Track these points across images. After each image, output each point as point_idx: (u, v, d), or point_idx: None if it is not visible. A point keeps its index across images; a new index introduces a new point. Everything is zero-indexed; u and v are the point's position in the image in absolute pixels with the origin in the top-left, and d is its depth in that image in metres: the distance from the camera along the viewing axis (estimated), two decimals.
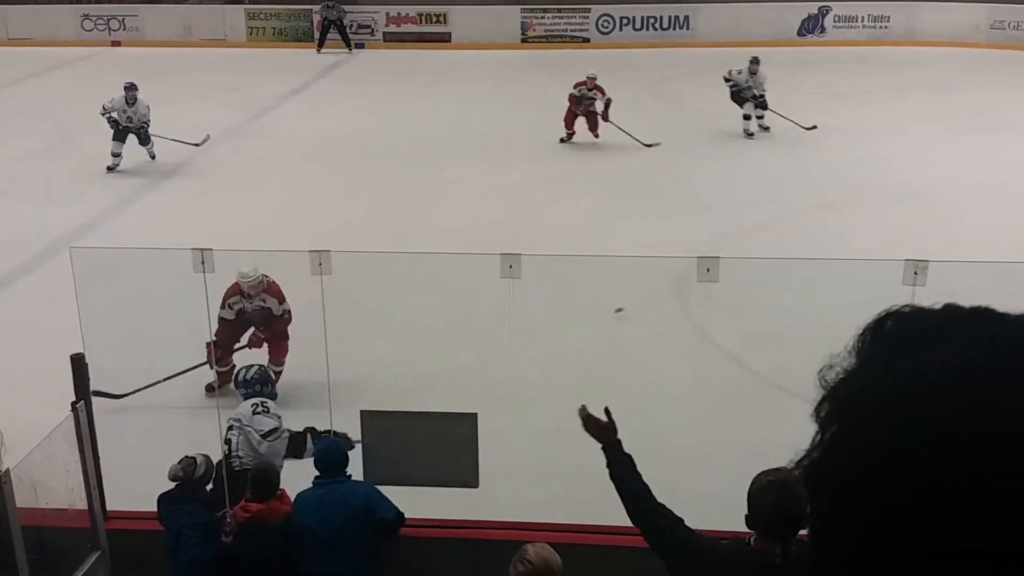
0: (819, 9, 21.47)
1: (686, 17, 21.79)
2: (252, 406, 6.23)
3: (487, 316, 7.58)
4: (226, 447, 6.07)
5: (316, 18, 22.24)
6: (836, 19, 21.43)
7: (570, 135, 14.49)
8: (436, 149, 14.23)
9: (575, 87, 14.29)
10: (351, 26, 22.27)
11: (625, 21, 22.05)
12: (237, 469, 5.95)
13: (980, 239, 10.03)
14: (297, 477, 5.67)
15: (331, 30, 21.81)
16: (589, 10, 22.08)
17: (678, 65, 19.54)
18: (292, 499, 5.39)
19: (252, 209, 11.90)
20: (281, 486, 5.50)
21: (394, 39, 22.47)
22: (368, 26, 22.64)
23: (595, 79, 14.29)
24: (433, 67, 20.10)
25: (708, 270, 7.19)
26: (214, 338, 7.30)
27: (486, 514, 6.07)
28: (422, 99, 17.40)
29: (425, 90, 18.16)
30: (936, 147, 13.55)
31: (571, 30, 22.26)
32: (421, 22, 22.57)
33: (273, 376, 6.96)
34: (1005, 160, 12.77)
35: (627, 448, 3.80)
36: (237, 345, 7.91)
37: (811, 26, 21.55)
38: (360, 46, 22.33)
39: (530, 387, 7.85)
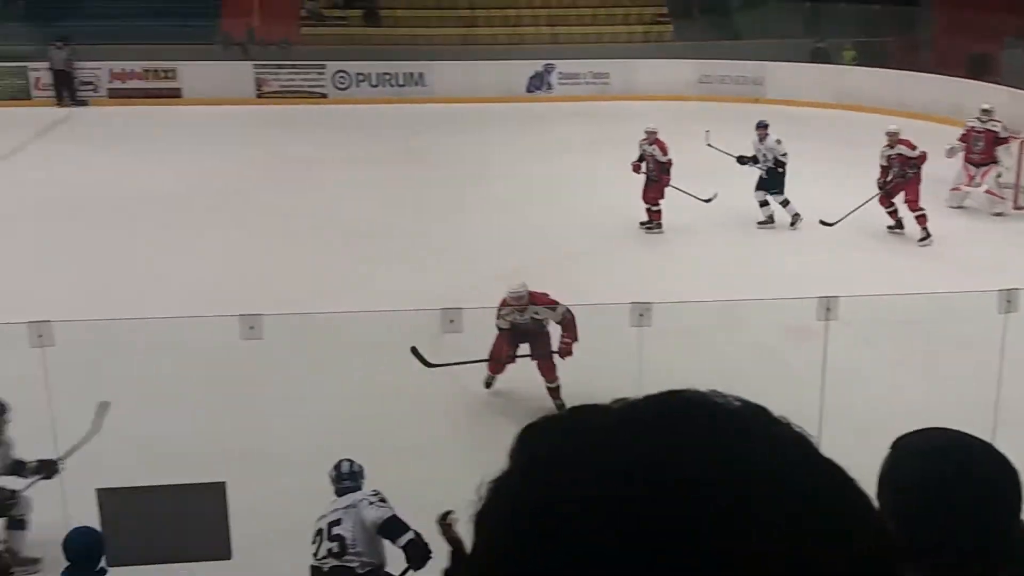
0: (544, 67, 22.51)
1: (420, 74, 22.23)
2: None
3: (228, 380, 7.33)
4: (334, 544, 5.58)
5: (34, 74, 20.97)
6: (560, 76, 22.55)
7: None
8: (172, 207, 13.69)
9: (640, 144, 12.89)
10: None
11: (361, 78, 22.22)
12: (360, 571, 5.56)
13: (705, 279, 10.79)
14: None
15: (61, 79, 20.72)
16: (324, 66, 22.09)
17: (417, 121, 19.86)
18: None
19: None
20: None
21: (120, 96, 21.50)
22: (91, 82, 21.56)
23: (655, 133, 12.92)
24: (163, 124, 19.38)
25: (452, 321, 7.35)
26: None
27: None
28: (151, 157, 16.69)
29: (155, 148, 17.44)
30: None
31: (308, 86, 22.16)
32: (148, 78, 21.74)
33: None
34: (728, 199, 13.65)
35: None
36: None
37: (538, 83, 22.55)
38: (82, 103, 21.21)
39: (282, 450, 7.66)
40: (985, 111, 13.64)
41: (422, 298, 9.24)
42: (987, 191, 13.62)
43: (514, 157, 16.14)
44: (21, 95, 21.17)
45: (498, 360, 8.40)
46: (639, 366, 6.54)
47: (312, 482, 6.12)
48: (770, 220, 13.18)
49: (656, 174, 12.84)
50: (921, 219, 12.45)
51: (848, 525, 0.59)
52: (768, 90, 21.85)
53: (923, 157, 12.46)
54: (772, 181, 13.08)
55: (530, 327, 8.30)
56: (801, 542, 0.56)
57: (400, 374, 8.75)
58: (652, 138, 12.91)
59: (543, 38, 23.82)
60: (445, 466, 7.24)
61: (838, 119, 19.13)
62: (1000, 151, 13.60)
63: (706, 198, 13.02)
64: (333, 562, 5.61)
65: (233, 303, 7.98)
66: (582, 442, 0.62)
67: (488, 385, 8.71)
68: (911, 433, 1.53)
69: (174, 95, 21.61)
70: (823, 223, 12.60)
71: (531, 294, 8.18)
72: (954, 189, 13.76)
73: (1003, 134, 13.58)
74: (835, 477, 0.62)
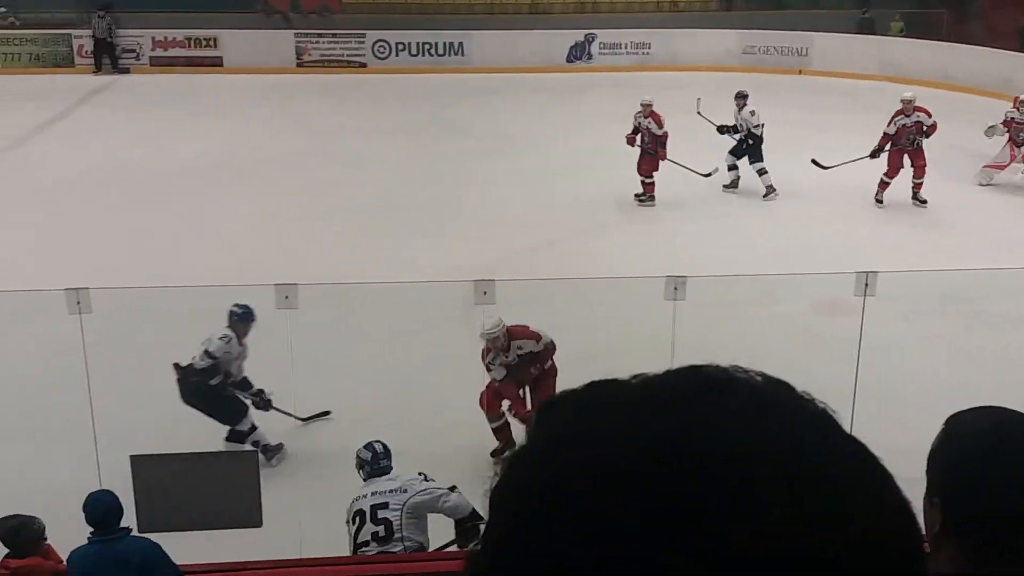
0: (585, 37, 22.33)
1: (460, 44, 22.15)
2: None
3: (266, 349, 7.39)
4: (380, 528, 5.52)
5: (77, 41, 21.17)
6: (602, 46, 22.36)
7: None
8: (210, 176, 13.80)
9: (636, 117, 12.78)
10: (115, 50, 21.37)
11: (401, 47, 22.18)
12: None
13: (742, 252, 10.69)
14: (68, 532, 5.32)
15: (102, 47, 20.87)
16: (364, 35, 22.07)
17: (454, 91, 19.82)
18: (63, 556, 5.09)
19: (7, 246, 11.15)
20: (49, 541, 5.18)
21: (162, 63, 21.66)
22: (133, 50, 21.72)
23: (651, 105, 12.83)
24: (204, 92, 19.51)
25: (485, 293, 7.35)
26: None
27: (272, 553, 5.91)
28: (191, 125, 16.83)
29: (195, 116, 17.58)
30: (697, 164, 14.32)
31: (347, 55, 22.17)
32: (190, 46, 21.86)
33: None
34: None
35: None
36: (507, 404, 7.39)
37: (579, 53, 22.38)
38: (125, 70, 21.39)
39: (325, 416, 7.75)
40: (1022, 102, 13.35)
41: (456, 269, 9.26)
42: None
43: (551, 128, 16.02)
44: (65, 62, 21.39)
45: (496, 416, 7.42)
46: (672, 339, 6.51)
47: (345, 453, 6.17)
48: (734, 185, 13.29)
49: (652, 147, 12.76)
50: (920, 186, 12.63)
51: (858, 505, 0.58)
52: (813, 61, 21.53)
53: (935, 126, 12.51)
54: (749, 150, 13.11)
55: (528, 371, 7.38)
56: (805, 521, 0.56)
57: (434, 345, 8.79)
58: (647, 111, 12.83)
59: (585, 7, 23.61)
60: (479, 437, 7.28)
61: (883, 91, 18.78)
62: None
63: (705, 172, 13.00)
64: (377, 547, 5.51)
65: (269, 272, 8.04)
66: (599, 418, 0.61)
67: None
68: (965, 411, 1.52)
69: (215, 63, 21.72)
70: (815, 163, 12.85)
71: (508, 329, 7.34)
72: (987, 167, 13.54)
73: None
74: (854, 455, 0.61)
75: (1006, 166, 13.45)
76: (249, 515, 5.61)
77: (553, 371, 7.36)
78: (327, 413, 7.85)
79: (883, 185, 12.71)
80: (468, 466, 6.77)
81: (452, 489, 5.72)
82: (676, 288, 6.77)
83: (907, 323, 7.51)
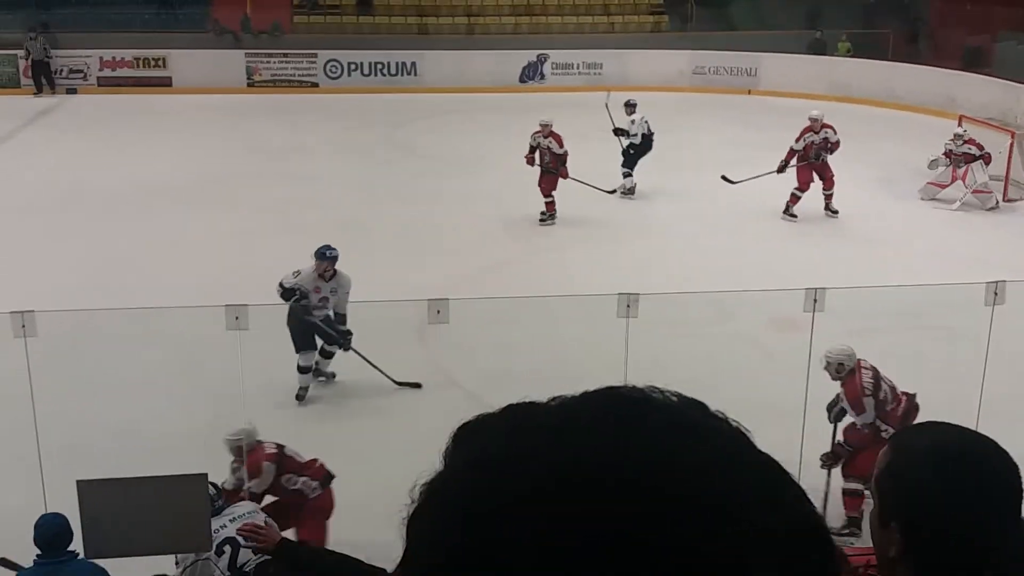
0: (537, 57, 22.46)
1: (413, 63, 22.17)
2: None
3: (215, 371, 7.31)
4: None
5: (23, 62, 20.88)
6: (554, 66, 22.50)
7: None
8: (162, 197, 13.64)
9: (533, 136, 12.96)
10: (61, 70, 21.07)
11: (353, 67, 22.15)
12: None
13: (694, 271, 10.77)
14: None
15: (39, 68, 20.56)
16: (316, 55, 22.01)
17: (407, 111, 19.81)
18: None
19: None
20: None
21: (110, 83, 21.41)
22: (80, 70, 21.46)
23: (550, 126, 13.00)
24: (154, 112, 19.32)
25: (439, 312, 7.33)
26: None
27: None
28: (141, 146, 16.65)
29: (144, 137, 17.39)
30: (653, 183, 14.42)
31: (299, 75, 22.09)
32: (138, 66, 21.64)
33: None
34: (713, 194, 13.71)
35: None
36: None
37: (531, 73, 22.50)
38: (72, 91, 21.12)
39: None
40: (958, 135, 13.88)
41: (410, 289, 9.22)
42: (975, 191, 13.62)
43: (504, 147, 16.02)
44: (11, 83, 21.07)
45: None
46: (625, 356, 6.53)
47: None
48: (631, 192, 14.03)
49: (552, 165, 12.91)
50: (831, 198, 13.16)
51: (772, 521, 0.59)
52: (761, 81, 21.84)
53: (839, 143, 13.05)
54: (636, 153, 14.01)
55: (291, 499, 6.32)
56: (724, 537, 0.57)
57: (388, 363, 8.74)
58: (547, 131, 13.00)
59: (537, 27, 23.76)
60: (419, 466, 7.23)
61: (829, 110, 19.08)
62: (976, 167, 13.61)
63: (609, 189, 13.31)
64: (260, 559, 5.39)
65: (221, 293, 7.95)
66: (516, 441, 0.62)
67: None
68: (910, 428, 1.48)
69: (165, 83, 21.52)
70: (725, 179, 13.41)
71: (268, 454, 6.31)
72: (930, 184, 13.95)
73: (978, 154, 13.61)
74: (768, 473, 0.62)
75: (947, 185, 13.76)
76: (198, 539, 5.51)
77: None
78: (418, 385, 8.37)
79: (794, 199, 13.13)
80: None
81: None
82: (628, 305, 6.80)
83: (857, 338, 7.60)
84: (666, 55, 22.25)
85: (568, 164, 12.98)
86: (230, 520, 5.61)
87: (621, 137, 14.10)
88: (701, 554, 0.56)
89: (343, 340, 8.42)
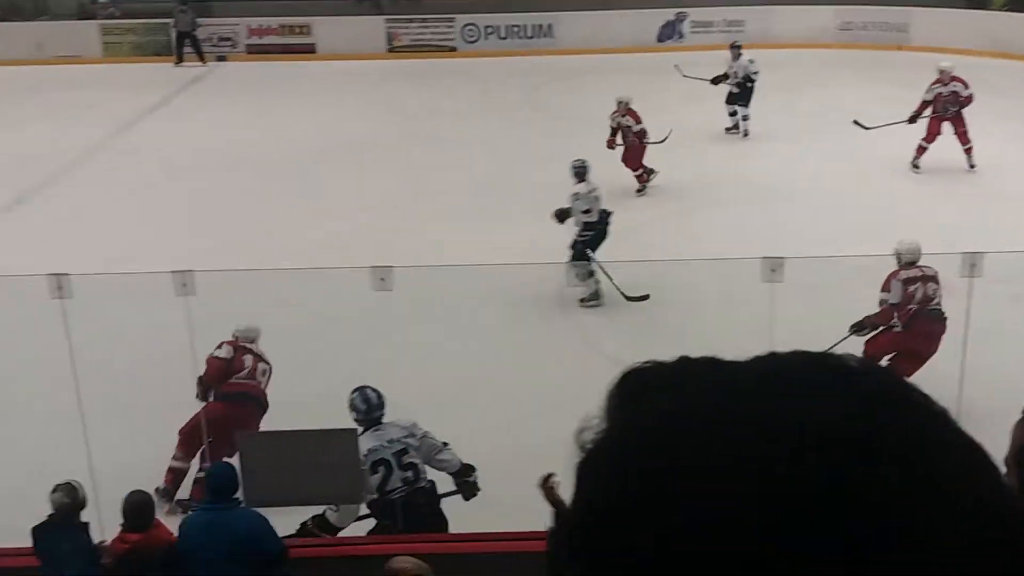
0: (676, 15, 22.04)
1: (549, 25, 22.07)
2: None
3: (359, 331, 7.51)
4: (409, 473, 5.85)
5: (172, 31, 21.69)
6: (693, 25, 22.05)
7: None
8: (306, 161, 14.04)
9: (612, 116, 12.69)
10: (211, 38, 21.81)
11: (489, 30, 22.21)
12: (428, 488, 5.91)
13: (835, 234, 10.46)
14: None
15: (185, 42, 21.27)
16: (454, 19, 22.16)
17: (544, 73, 19.77)
18: (171, 530, 5.30)
19: (115, 230, 11.53)
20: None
21: (257, 51, 22.08)
22: (229, 38, 22.18)
23: (627, 103, 12.70)
24: (299, 79, 19.84)
25: (577, 274, 7.37)
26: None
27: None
28: (289, 111, 17.16)
29: (292, 102, 17.91)
30: (792, 144, 14.05)
31: (437, 40, 22.30)
32: (284, 33, 22.24)
33: None
34: (857, 156, 13.30)
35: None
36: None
37: (670, 32, 22.11)
38: (222, 59, 21.85)
39: (409, 400, 7.83)
40: None
41: (547, 251, 9.25)
42: None
43: (640, 107, 15.86)
44: (165, 51, 21.93)
45: None
46: (771, 321, 6.40)
47: (440, 431, 6.23)
48: (736, 128, 14.75)
49: (635, 140, 12.63)
50: (970, 151, 12.87)
51: (984, 505, 0.56)
52: (913, 37, 20.89)
53: (971, 98, 12.73)
54: (741, 95, 14.53)
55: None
56: (936, 519, 0.54)
57: (525, 326, 8.82)
58: (624, 108, 12.63)
59: None
60: (567, 422, 7.28)
61: (987, 67, 18.15)
62: None
63: (659, 140, 12.81)
64: (407, 489, 5.84)
65: (364, 255, 8.16)
66: (719, 397, 0.58)
67: None
68: None
69: (309, 50, 22.06)
70: (857, 123, 13.29)
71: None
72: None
73: None
74: (976, 451, 0.59)
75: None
76: (351, 491, 5.72)
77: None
78: (647, 297, 8.96)
79: (920, 150, 12.89)
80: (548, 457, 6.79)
81: (445, 445, 5.99)
82: (773, 270, 6.65)
83: (1018, 304, 7.25)
84: (810, 11, 21.48)
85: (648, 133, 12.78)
86: (388, 441, 5.87)
87: (722, 82, 14.70)
88: (914, 535, 0.53)
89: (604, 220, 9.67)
